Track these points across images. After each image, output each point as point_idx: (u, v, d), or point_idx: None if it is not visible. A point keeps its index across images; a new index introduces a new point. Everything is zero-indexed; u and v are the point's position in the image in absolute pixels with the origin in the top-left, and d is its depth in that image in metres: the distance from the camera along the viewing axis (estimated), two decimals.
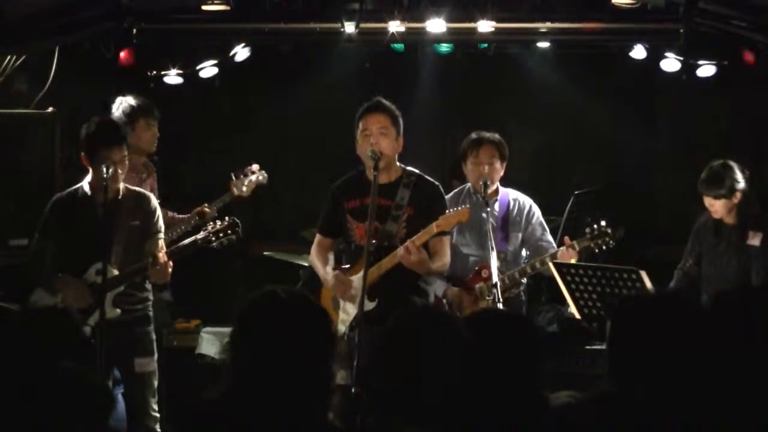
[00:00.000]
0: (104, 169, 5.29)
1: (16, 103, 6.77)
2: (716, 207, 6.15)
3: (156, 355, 5.65)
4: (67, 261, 5.49)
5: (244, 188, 6.57)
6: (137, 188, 5.69)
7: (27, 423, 2.72)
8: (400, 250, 5.21)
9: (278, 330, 2.87)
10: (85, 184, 5.55)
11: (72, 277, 5.45)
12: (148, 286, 5.67)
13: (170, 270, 5.43)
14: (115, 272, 5.42)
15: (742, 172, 6.16)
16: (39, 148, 6.52)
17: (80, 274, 5.46)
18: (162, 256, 5.39)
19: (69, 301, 5.35)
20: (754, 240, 6.13)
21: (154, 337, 5.69)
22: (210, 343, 6.86)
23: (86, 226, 5.44)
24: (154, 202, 5.68)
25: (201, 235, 5.57)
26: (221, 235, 5.57)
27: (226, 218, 5.63)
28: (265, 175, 6.65)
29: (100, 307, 5.25)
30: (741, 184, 6.12)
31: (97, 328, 5.31)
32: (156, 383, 5.60)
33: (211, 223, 5.63)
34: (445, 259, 5.46)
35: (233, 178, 6.56)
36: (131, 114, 6.32)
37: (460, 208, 5.37)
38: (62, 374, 2.84)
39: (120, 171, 5.43)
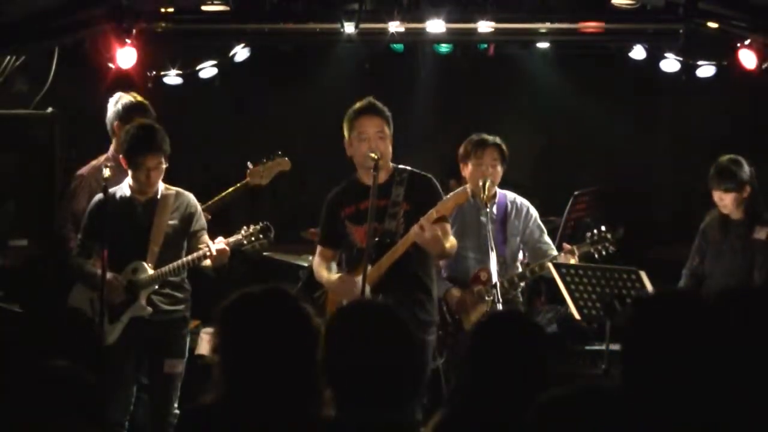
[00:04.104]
0: (104, 171, 5.44)
1: (16, 103, 6.77)
2: (726, 201, 6.17)
3: (186, 357, 5.71)
4: (109, 259, 5.51)
5: (263, 176, 6.33)
6: (176, 188, 5.74)
7: (16, 423, 2.72)
8: (414, 229, 5.16)
9: (256, 329, 2.89)
10: (125, 186, 5.67)
11: (110, 273, 5.49)
12: (188, 286, 5.74)
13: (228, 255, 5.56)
14: (150, 271, 5.51)
15: (749, 167, 6.19)
16: (39, 148, 6.52)
17: (119, 271, 5.57)
18: (219, 247, 5.50)
19: (105, 296, 5.41)
20: (761, 234, 6.15)
21: (188, 339, 5.78)
22: (209, 343, 6.85)
23: (125, 226, 5.55)
24: (194, 201, 5.75)
25: (233, 238, 5.60)
26: (253, 239, 5.60)
27: (260, 222, 5.65)
28: (288, 161, 6.36)
29: (131, 304, 5.52)
30: (749, 177, 6.15)
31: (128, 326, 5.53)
32: (180, 384, 5.66)
33: (245, 227, 5.65)
34: (453, 240, 5.44)
35: (249, 166, 6.32)
36: (125, 113, 6.30)
37: (457, 190, 5.33)
38: (52, 373, 2.84)
39: (154, 177, 5.54)
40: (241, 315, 2.95)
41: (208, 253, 5.50)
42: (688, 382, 2.73)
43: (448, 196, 5.29)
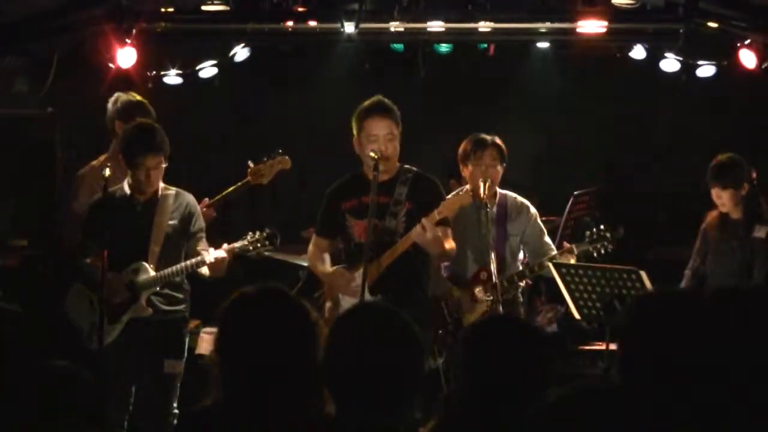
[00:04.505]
0: (104, 170, 5.44)
1: (16, 103, 6.77)
2: (724, 199, 6.17)
3: (185, 357, 5.71)
4: (109, 258, 5.49)
5: (263, 174, 6.32)
6: (176, 188, 5.73)
7: (16, 423, 2.73)
8: (416, 229, 5.17)
9: (254, 328, 2.89)
10: (125, 185, 5.65)
11: (111, 273, 5.48)
12: (187, 287, 5.73)
13: (226, 263, 5.52)
14: (152, 272, 5.51)
15: (749, 168, 6.19)
16: (39, 148, 6.52)
17: (119, 271, 5.55)
18: (220, 255, 5.46)
19: (106, 296, 5.41)
20: (760, 233, 6.15)
21: (187, 339, 5.77)
22: (210, 343, 6.85)
23: (125, 226, 5.54)
24: (193, 201, 5.74)
25: (239, 243, 5.59)
26: (259, 245, 5.59)
27: (266, 229, 5.64)
28: (288, 160, 6.33)
29: (132, 304, 5.50)
30: (748, 176, 6.16)
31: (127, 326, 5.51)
32: (179, 384, 5.65)
33: (250, 233, 5.64)
34: (453, 244, 5.44)
35: (250, 165, 6.31)
36: (124, 112, 6.30)
37: (461, 193, 5.34)
38: (52, 373, 2.85)
39: (154, 176, 5.52)
40: (240, 315, 2.95)
41: (207, 261, 5.48)
42: (687, 382, 2.73)
43: (452, 197, 5.29)
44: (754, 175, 6.24)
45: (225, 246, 5.54)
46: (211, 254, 5.47)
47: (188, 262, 5.53)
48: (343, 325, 3.04)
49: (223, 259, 5.48)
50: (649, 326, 2.83)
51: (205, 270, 5.54)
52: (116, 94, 6.27)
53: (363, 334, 2.94)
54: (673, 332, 2.78)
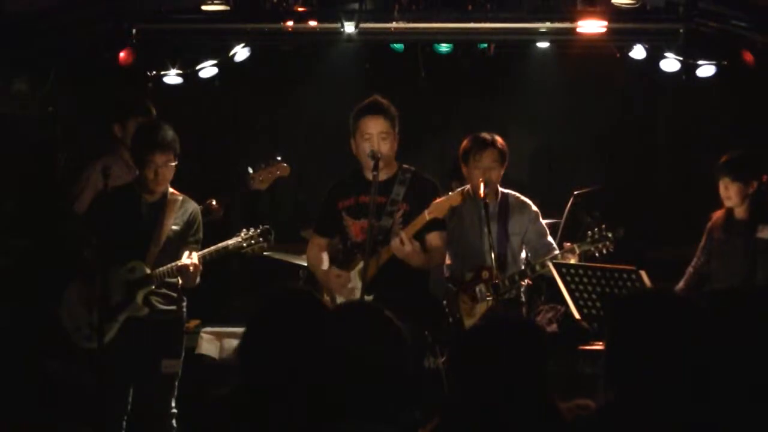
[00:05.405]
0: (106, 170, 5.41)
1: (16, 103, 6.77)
2: (731, 192, 6.16)
3: (182, 356, 5.70)
4: (108, 254, 5.49)
5: (262, 180, 6.29)
6: (182, 195, 5.72)
7: (15, 423, 2.74)
8: (394, 243, 5.19)
9: (293, 328, 2.91)
10: (132, 185, 5.66)
11: (109, 269, 5.48)
12: None
13: (199, 275, 5.50)
14: (147, 271, 5.52)
15: (763, 169, 6.19)
16: (39, 148, 6.53)
17: (116, 267, 5.54)
18: (193, 260, 5.45)
19: (103, 292, 5.39)
20: (764, 233, 6.14)
21: (184, 338, 5.78)
22: (209, 343, 6.86)
23: (129, 225, 5.54)
24: (197, 211, 5.73)
25: (233, 240, 5.60)
26: (253, 242, 5.59)
27: (260, 225, 5.63)
28: (287, 167, 6.30)
29: (128, 304, 5.47)
30: (758, 174, 6.15)
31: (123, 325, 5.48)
32: (177, 383, 5.65)
33: (244, 229, 5.64)
34: (442, 253, 5.45)
35: (250, 170, 6.30)
36: (123, 111, 6.30)
37: (450, 193, 5.35)
38: (50, 373, 2.86)
39: (162, 175, 5.50)
40: (280, 314, 2.97)
41: (178, 264, 5.48)
42: (671, 384, 2.74)
43: (441, 199, 5.28)
44: (765, 178, 6.22)
45: (194, 254, 5.51)
46: (182, 261, 5.46)
47: (171, 266, 5.51)
48: (333, 326, 3.05)
49: (194, 266, 5.45)
50: (627, 329, 2.84)
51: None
52: (117, 95, 6.28)
53: (344, 333, 2.96)
54: (655, 333, 2.79)
